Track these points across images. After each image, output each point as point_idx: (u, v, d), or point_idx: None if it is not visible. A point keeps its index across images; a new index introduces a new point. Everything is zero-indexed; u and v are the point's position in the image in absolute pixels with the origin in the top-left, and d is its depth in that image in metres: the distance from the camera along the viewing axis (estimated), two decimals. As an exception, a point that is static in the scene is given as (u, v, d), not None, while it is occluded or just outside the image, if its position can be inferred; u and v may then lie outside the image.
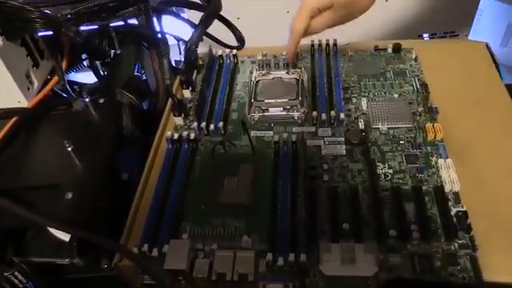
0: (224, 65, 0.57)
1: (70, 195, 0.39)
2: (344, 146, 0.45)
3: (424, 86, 0.49)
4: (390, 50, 0.55)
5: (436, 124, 0.45)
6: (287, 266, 0.36)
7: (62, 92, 0.52)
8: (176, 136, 0.47)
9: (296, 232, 0.38)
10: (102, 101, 0.47)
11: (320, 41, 0.55)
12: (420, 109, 0.48)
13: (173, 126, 0.50)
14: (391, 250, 0.37)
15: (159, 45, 0.53)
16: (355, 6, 0.47)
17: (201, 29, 0.51)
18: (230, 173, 0.44)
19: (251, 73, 0.55)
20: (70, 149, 0.41)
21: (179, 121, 0.50)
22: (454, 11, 0.89)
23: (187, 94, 0.53)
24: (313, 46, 0.56)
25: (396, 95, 0.50)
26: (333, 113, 0.47)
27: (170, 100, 0.53)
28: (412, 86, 0.51)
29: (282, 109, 0.49)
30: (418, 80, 0.51)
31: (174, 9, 0.60)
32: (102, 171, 0.42)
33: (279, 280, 0.36)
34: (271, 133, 0.48)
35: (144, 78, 0.60)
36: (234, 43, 0.60)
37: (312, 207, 0.40)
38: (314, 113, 0.47)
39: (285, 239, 0.38)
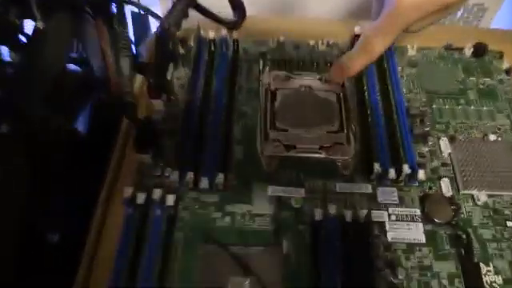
0: (217, 55, 0.36)
1: None
2: (422, 227, 0.28)
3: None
4: (468, 53, 0.37)
5: (557, 193, 0.29)
6: None
7: None
8: (142, 198, 0.27)
9: None
10: (5, 130, 0.26)
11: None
12: (526, 161, 0.31)
13: (133, 165, 0.30)
14: None
15: (112, 12, 0.32)
16: None
17: (187, -1, 0.29)
18: (239, 268, 0.26)
19: (262, 72, 0.35)
20: None
21: (146, 159, 0.30)
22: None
23: (159, 105, 0.32)
24: (356, 36, 0.36)
25: (492, 135, 0.32)
26: (406, 168, 0.29)
27: (125, 122, 0.32)
28: (508, 117, 0.33)
29: (317, 147, 0.30)
30: (517, 109, 0.34)
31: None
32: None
33: None
34: (302, 191, 0.29)
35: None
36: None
37: None
38: (377, 166, 0.29)
39: None
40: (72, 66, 0.36)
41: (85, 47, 0.35)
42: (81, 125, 0.31)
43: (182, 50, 0.35)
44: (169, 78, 0.33)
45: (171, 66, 0.34)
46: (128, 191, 0.27)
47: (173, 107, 0.32)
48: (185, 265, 0.26)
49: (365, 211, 0.27)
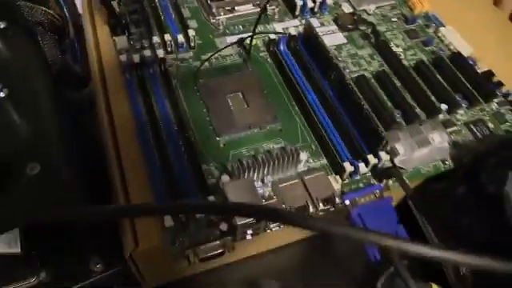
0: None
1: (37, 168, 0.23)
2: (341, 34, 0.39)
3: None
4: None
5: (417, -6, 0.42)
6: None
7: None
8: (137, 58, 0.33)
9: (350, 136, 0.31)
10: (2, 25, 0.29)
11: None
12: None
13: (112, 49, 0.35)
14: (448, 125, 0.34)
15: None
16: None
17: None
18: (229, 91, 0.34)
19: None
20: (2, 94, 0.24)
21: (122, 42, 0.35)
22: None
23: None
24: None
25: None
26: (316, -3, 0.39)
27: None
28: None
29: (251, 5, 0.39)
30: None
31: None
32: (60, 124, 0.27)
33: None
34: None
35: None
36: None
37: (351, 105, 0.33)
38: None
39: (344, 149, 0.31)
40: None
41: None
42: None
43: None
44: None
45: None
46: (122, 57, 0.33)
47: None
48: (190, 104, 0.33)
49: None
